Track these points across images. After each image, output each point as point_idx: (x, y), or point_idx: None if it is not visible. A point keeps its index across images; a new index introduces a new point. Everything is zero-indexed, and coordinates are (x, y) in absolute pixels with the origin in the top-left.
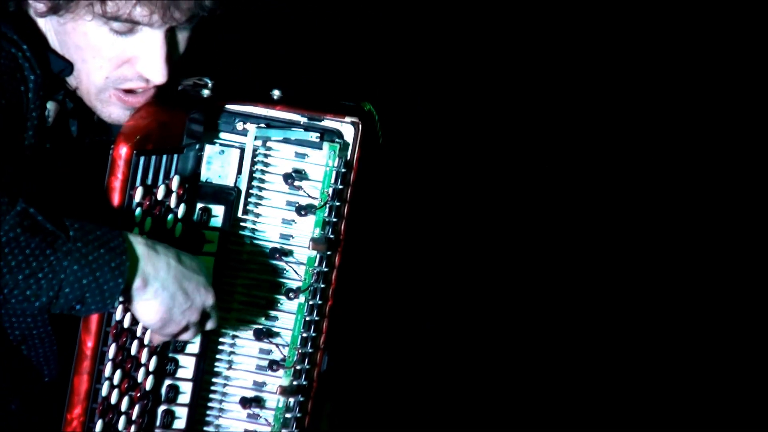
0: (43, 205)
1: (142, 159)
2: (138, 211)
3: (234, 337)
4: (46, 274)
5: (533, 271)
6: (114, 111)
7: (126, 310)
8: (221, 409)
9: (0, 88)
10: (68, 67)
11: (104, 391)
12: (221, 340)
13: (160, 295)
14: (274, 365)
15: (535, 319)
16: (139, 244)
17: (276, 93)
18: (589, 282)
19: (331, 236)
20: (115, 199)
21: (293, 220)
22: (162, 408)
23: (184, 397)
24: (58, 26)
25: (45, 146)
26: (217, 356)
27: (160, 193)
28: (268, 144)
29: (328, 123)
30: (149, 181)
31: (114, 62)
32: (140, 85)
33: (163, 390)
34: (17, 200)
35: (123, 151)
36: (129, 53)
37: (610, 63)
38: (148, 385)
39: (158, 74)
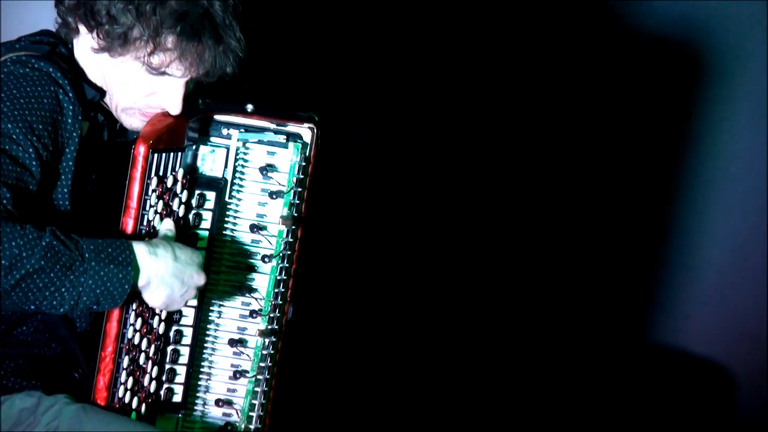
0: (82, 205)
1: (155, 156)
2: (153, 195)
3: (222, 293)
4: (67, 289)
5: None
6: (134, 122)
7: None
8: (214, 348)
9: (43, 124)
10: (98, 94)
11: (129, 334)
12: (213, 295)
13: (160, 288)
14: (253, 314)
15: (506, 306)
16: (142, 252)
17: (249, 106)
18: (582, 281)
19: (295, 214)
20: (136, 186)
21: (266, 203)
22: (170, 347)
23: (187, 339)
24: (103, 59)
25: (87, 153)
26: (210, 308)
27: (170, 182)
28: (247, 145)
29: (292, 128)
30: (161, 173)
31: (142, 93)
32: (157, 112)
33: (171, 334)
34: (44, 234)
35: (141, 149)
36: (155, 89)
37: (603, 62)
38: (161, 330)
39: (175, 109)
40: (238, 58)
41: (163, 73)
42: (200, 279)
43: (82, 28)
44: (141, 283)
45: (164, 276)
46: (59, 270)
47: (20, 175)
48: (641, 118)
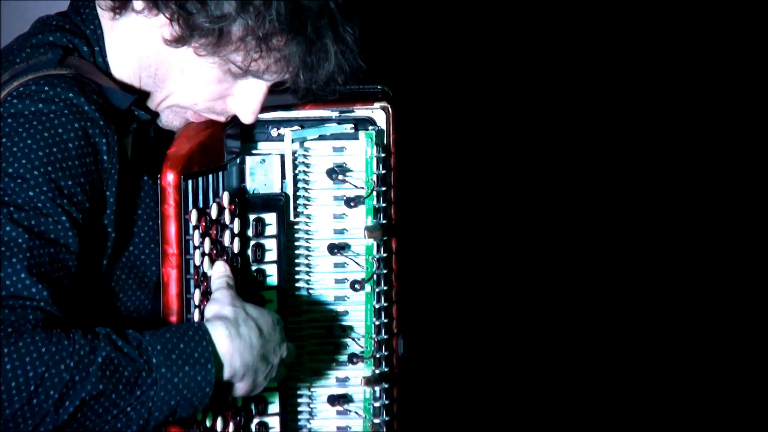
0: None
1: (190, 182)
2: (196, 234)
3: (309, 338)
4: (134, 407)
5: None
6: (177, 122)
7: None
8: (311, 413)
9: (73, 179)
10: (135, 98)
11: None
12: (298, 344)
13: (246, 377)
14: (354, 358)
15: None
16: (222, 338)
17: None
18: (594, 284)
19: (384, 222)
20: (172, 226)
21: (344, 214)
22: (255, 421)
23: (274, 407)
24: (165, 50)
25: (135, 177)
26: (297, 360)
27: (214, 212)
28: (306, 144)
29: (359, 112)
30: (200, 203)
31: (212, 96)
32: (220, 118)
33: (252, 404)
34: (98, 344)
35: (171, 178)
36: (230, 92)
37: (610, 64)
38: (238, 401)
39: (251, 118)
40: (353, 64)
41: (252, 75)
42: (284, 352)
43: (151, 10)
44: (225, 377)
45: (249, 362)
46: (122, 389)
47: (55, 256)
48: None
